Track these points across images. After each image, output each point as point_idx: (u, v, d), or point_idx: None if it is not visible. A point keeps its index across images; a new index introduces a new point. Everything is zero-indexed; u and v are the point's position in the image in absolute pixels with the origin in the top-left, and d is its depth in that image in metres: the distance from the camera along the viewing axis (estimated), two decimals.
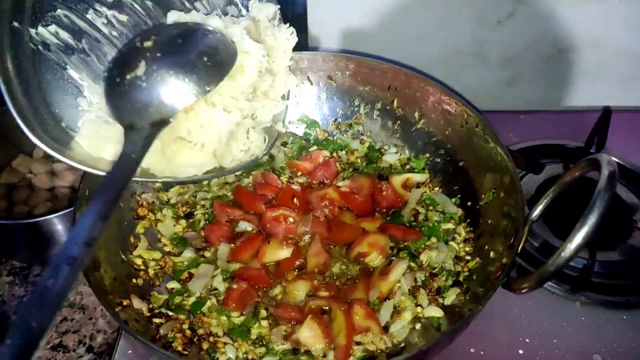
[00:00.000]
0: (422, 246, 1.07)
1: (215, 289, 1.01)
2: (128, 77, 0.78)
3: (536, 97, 1.56)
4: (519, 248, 0.85)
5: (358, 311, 0.95)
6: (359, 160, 1.25)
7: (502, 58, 1.49)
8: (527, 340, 1.05)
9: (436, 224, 1.10)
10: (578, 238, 0.68)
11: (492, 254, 0.98)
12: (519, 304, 1.11)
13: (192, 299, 0.99)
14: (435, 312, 0.95)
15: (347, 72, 1.25)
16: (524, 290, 0.76)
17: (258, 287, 1.01)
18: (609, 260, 1.16)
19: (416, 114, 1.22)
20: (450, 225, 1.10)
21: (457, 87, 1.31)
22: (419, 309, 0.97)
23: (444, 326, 0.93)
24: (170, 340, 0.91)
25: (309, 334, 0.91)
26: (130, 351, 1.05)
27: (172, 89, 0.78)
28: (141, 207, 1.11)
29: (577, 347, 1.04)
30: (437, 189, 1.19)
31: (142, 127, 0.76)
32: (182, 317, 0.96)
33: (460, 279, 1.01)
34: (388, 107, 1.26)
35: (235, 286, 0.99)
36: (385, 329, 0.95)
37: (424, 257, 1.04)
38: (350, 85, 1.27)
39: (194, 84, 0.79)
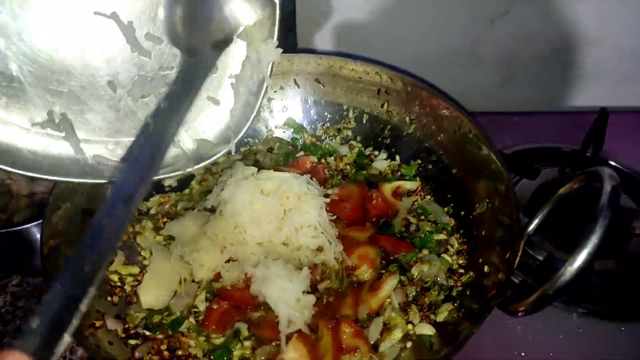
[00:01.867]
0: (414, 259, 1.02)
1: (195, 306, 0.96)
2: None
3: (531, 98, 1.52)
4: (515, 264, 0.81)
5: (346, 329, 0.90)
6: (348, 167, 1.20)
7: (497, 58, 1.45)
8: (523, 354, 1.01)
9: (428, 234, 1.05)
10: (579, 259, 0.64)
11: (486, 267, 0.94)
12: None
13: (172, 317, 0.94)
14: (427, 329, 0.91)
15: (336, 75, 1.20)
16: (519, 314, 0.72)
17: (240, 307, 0.96)
18: (606, 269, 1.12)
19: (407, 119, 1.18)
20: (442, 236, 1.06)
21: (451, 88, 1.28)
22: (409, 326, 0.93)
23: (436, 345, 0.89)
24: None
25: (294, 354, 0.86)
26: None
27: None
28: None
29: None
30: (428, 197, 1.14)
31: (202, 51, 0.68)
32: (160, 337, 0.91)
33: (453, 293, 0.97)
34: (378, 112, 1.22)
35: (215, 306, 0.94)
36: (375, 347, 0.91)
37: (415, 271, 1.00)
38: (338, 89, 1.23)
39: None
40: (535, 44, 1.41)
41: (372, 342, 0.90)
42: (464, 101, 1.28)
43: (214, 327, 0.92)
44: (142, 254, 1.05)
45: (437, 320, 0.93)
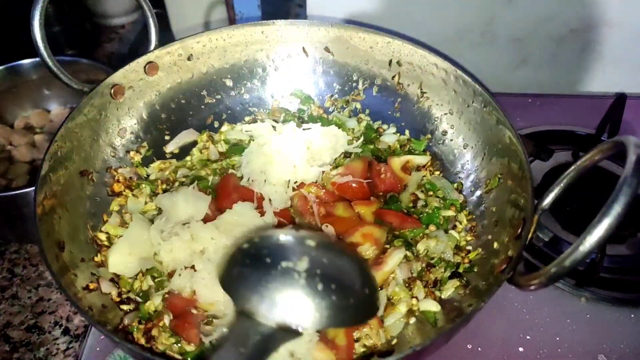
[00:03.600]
0: (420, 235, 0.99)
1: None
2: (284, 264, 0.67)
3: (546, 81, 1.49)
4: (528, 239, 0.77)
5: None
6: (354, 142, 1.16)
7: (512, 38, 1.41)
8: (528, 337, 0.99)
9: (436, 210, 1.02)
10: (599, 230, 0.59)
11: (495, 244, 0.90)
12: (520, 298, 1.05)
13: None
14: (432, 306, 0.88)
15: (346, 44, 1.16)
16: (532, 287, 0.68)
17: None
18: (617, 254, 1.10)
19: (418, 91, 1.14)
20: (450, 213, 1.02)
21: (465, 66, 1.23)
22: (414, 301, 0.90)
23: (441, 322, 0.86)
24: (131, 330, 0.83)
25: (315, 353, 0.80)
26: (102, 337, 0.99)
27: (322, 303, 0.66)
28: (117, 183, 1.03)
29: (581, 346, 0.98)
30: (437, 172, 1.10)
31: (262, 322, 0.65)
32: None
33: (460, 270, 0.93)
34: (389, 83, 1.17)
35: (194, 311, 0.86)
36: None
37: (421, 247, 0.96)
38: (349, 58, 1.18)
39: (343, 313, 0.68)
40: (551, 24, 1.36)
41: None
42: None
43: (185, 335, 0.83)
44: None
45: (443, 297, 0.90)
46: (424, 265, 0.94)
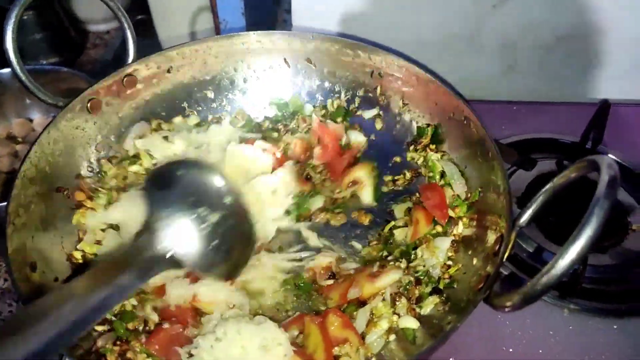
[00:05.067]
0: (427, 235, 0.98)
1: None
2: (201, 211, 0.80)
3: (533, 88, 1.47)
4: (504, 258, 0.77)
5: (334, 321, 0.87)
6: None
7: (498, 44, 1.40)
8: (510, 350, 0.98)
9: None
10: (572, 253, 0.59)
11: (475, 260, 0.90)
12: None
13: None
14: (411, 323, 0.87)
15: (328, 55, 1.16)
16: (506, 310, 0.68)
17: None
18: (600, 264, 1.09)
19: (400, 103, 1.13)
20: (452, 213, 1.00)
21: (450, 75, 1.22)
22: (394, 318, 0.89)
23: (420, 339, 0.85)
24: (104, 353, 0.82)
25: None
26: None
27: (208, 255, 0.79)
28: (79, 192, 1.00)
29: (564, 358, 0.97)
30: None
31: (160, 245, 0.76)
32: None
33: (440, 286, 0.93)
34: (371, 95, 1.17)
35: (166, 326, 0.86)
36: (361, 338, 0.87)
37: (419, 253, 0.96)
38: (331, 70, 1.18)
39: (215, 268, 0.82)
40: (539, 30, 1.35)
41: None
42: (462, 89, 1.23)
43: (156, 347, 0.83)
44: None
45: (422, 313, 0.90)
46: (412, 279, 0.93)
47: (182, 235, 0.77)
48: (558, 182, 0.75)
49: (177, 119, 1.16)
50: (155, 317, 0.87)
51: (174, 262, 0.76)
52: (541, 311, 1.03)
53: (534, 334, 1.00)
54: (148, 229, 0.76)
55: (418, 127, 1.12)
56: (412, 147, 1.12)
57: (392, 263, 0.96)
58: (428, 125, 1.11)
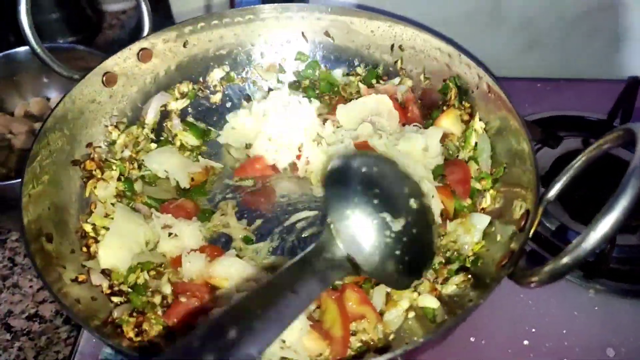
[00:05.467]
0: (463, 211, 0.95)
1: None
2: (383, 215, 0.69)
3: (556, 64, 1.43)
4: (530, 233, 0.74)
5: (351, 296, 0.85)
6: None
7: (521, 19, 1.36)
8: (534, 330, 0.96)
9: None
10: (605, 225, 0.56)
11: (499, 237, 0.87)
12: (526, 290, 1.00)
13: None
14: (431, 302, 0.85)
15: (346, 28, 1.12)
16: (532, 285, 0.66)
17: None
18: (627, 244, 1.05)
19: (422, 77, 1.10)
20: (479, 186, 0.97)
21: (472, 50, 1.19)
22: (414, 295, 0.87)
23: (440, 317, 0.83)
24: (121, 324, 0.81)
25: (307, 342, 0.79)
26: None
27: (389, 263, 0.69)
28: (90, 161, 0.98)
29: (589, 340, 0.95)
30: None
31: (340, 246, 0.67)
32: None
33: (467, 264, 0.90)
34: (391, 69, 1.14)
35: (184, 299, 0.84)
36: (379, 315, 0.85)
37: (453, 228, 0.93)
38: (350, 43, 1.15)
39: (394, 281, 0.73)
40: (562, 4, 1.31)
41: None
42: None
43: (174, 320, 0.83)
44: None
45: (444, 292, 0.87)
46: (442, 259, 0.91)
47: (364, 240, 0.68)
48: (590, 154, 0.72)
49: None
50: (168, 289, 0.86)
51: (354, 268, 0.68)
52: (566, 291, 1.01)
53: (557, 314, 0.98)
54: (329, 228, 0.68)
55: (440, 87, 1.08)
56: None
57: None
58: (445, 80, 1.07)
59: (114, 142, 1.04)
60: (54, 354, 1.02)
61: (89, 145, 1.00)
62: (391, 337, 0.83)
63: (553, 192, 0.76)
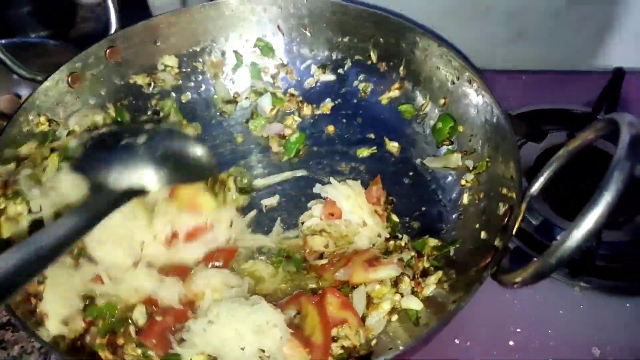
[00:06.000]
0: None
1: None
2: (124, 141, 0.82)
3: (542, 56, 1.40)
4: (514, 230, 0.71)
5: (332, 301, 0.82)
6: None
7: (507, 9, 1.33)
8: (519, 330, 0.94)
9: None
10: (589, 222, 0.53)
11: (483, 233, 0.85)
12: (511, 289, 0.98)
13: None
14: (414, 304, 0.82)
15: (324, 20, 1.09)
16: (515, 285, 0.63)
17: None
18: (613, 240, 1.03)
19: (401, 70, 1.07)
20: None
21: (454, 43, 1.16)
22: (397, 297, 0.84)
23: (423, 319, 0.81)
24: (97, 349, 0.77)
25: (287, 351, 0.76)
26: None
27: (162, 166, 0.81)
28: None
29: (575, 339, 0.93)
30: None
31: (112, 190, 0.78)
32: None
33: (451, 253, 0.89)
34: (369, 62, 1.11)
35: (159, 318, 0.81)
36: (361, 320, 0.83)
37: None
38: (327, 36, 1.11)
39: (179, 173, 0.83)
40: None
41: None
42: (468, 57, 1.17)
43: (154, 341, 0.78)
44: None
45: (425, 294, 0.85)
46: (414, 253, 0.89)
47: (126, 167, 0.79)
48: (573, 146, 0.69)
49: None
50: (143, 320, 0.82)
51: (135, 192, 0.79)
52: (551, 290, 0.99)
53: (543, 313, 0.96)
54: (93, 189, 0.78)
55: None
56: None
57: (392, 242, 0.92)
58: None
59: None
60: None
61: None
62: (373, 342, 0.80)
63: (536, 187, 0.74)
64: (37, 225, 0.83)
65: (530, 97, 1.31)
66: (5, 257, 0.59)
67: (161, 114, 1.09)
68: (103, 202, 0.75)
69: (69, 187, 0.83)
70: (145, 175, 0.79)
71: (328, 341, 0.78)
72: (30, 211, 0.83)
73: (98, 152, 0.83)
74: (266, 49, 1.14)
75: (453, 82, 0.98)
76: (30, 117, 0.91)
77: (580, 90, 1.32)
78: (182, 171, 0.83)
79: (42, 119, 0.93)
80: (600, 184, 0.53)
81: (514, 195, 0.76)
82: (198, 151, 0.88)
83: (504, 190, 0.82)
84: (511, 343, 0.92)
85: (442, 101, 1.03)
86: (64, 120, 0.97)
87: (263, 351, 0.75)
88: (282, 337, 0.76)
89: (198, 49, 1.11)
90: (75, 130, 0.98)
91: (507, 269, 0.67)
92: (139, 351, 0.78)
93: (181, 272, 0.86)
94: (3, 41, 1.24)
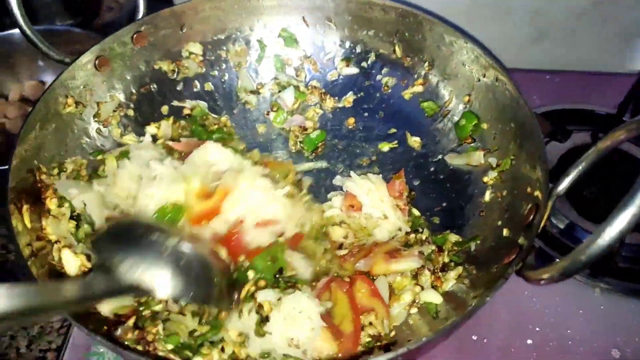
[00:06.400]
0: None
1: None
2: (154, 236, 0.74)
3: (564, 56, 1.39)
4: (539, 228, 0.71)
5: (362, 288, 0.82)
6: None
7: (529, 10, 1.32)
8: (537, 329, 0.94)
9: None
10: (622, 221, 0.53)
11: (505, 231, 0.84)
12: (530, 287, 0.95)
13: None
14: (434, 297, 0.82)
15: (349, 13, 1.09)
16: (542, 282, 0.62)
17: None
18: (635, 243, 1.02)
19: (425, 65, 1.06)
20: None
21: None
22: (417, 289, 0.84)
23: (443, 313, 0.81)
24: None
25: (319, 343, 0.76)
26: None
27: (180, 277, 0.72)
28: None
29: (594, 340, 0.93)
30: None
31: (118, 279, 0.69)
32: None
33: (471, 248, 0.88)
34: (393, 57, 1.10)
35: None
36: None
37: None
38: (351, 29, 1.11)
39: (195, 290, 0.74)
40: None
41: None
42: None
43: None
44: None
45: (444, 288, 0.84)
46: (434, 247, 0.89)
47: (143, 262, 0.71)
48: (602, 145, 0.69)
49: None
50: None
51: (140, 291, 0.71)
52: (571, 290, 0.99)
53: (562, 313, 0.96)
54: (100, 268, 0.71)
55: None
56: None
57: (413, 236, 0.92)
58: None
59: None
60: (46, 344, 1.00)
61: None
62: (392, 333, 0.80)
63: (563, 186, 0.73)
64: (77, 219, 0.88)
65: (554, 97, 1.30)
66: None
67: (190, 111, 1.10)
68: (102, 287, 0.68)
69: (126, 180, 0.89)
70: (160, 278, 0.70)
71: (358, 331, 0.78)
72: (72, 210, 0.88)
73: (123, 235, 0.77)
74: (290, 40, 1.13)
75: (479, 79, 0.98)
76: (59, 99, 0.92)
77: (603, 91, 1.31)
78: (197, 291, 0.74)
79: (70, 100, 0.93)
80: (635, 184, 0.52)
81: (540, 194, 0.75)
82: (221, 283, 0.79)
83: (529, 189, 0.81)
84: (529, 342, 0.92)
85: (466, 98, 1.02)
86: (90, 103, 0.98)
87: (292, 339, 0.75)
88: (314, 328, 0.76)
89: (223, 37, 1.11)
90: (101, 114, 1.00)
91: (533, 265, 0.67)
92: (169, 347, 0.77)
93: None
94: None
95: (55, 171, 0.90)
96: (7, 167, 0.94)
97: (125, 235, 0.76)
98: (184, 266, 0.73)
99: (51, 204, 0.85)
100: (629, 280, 0.99)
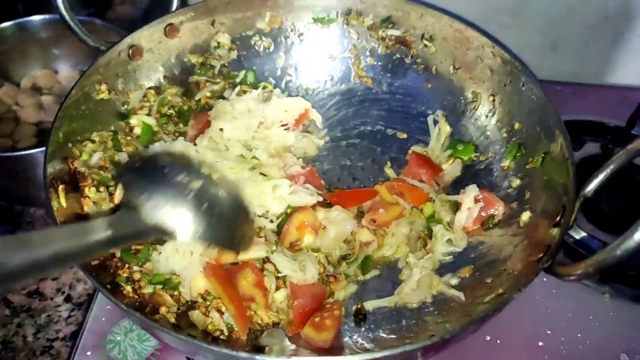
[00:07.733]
0: None
1: None
2: (179, 178, 0.74)
3: (576, 69, 1.42)
4: (568, 226, 0.72)
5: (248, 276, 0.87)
6: None
7: (543, 21, 1.35)
8: (549, 332, 0.95)
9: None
10: None
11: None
12: (543, 291, 1.00)
13: None
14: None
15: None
16: (572, 277, 0.64)
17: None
18: None
19: (451, 68, 1.08)
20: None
21: None
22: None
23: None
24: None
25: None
26: (109, 306, 0.98)
27: (201, 220, 0.73)
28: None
29: (603, 344, 0.94)
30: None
31: (142, 218, 0.70)
32: None
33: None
34: (419, 60, 1.12)
35: None
36: None
37: None
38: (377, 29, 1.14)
39: (215, 235, 0.75)
40: (586, 8, 1.30)
41: None
42: None
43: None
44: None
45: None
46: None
47: (167, 203, 0.71)
48: (633, 149, 0.70)
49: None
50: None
51: (162, 232, 0.72)
52: (582, 295, 1.00)
53: (573, 317, 0.97)
54: (127, 206, 0.72)
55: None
56: None
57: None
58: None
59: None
60: (54, 332, 0.99)
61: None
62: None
63: (591, 187, 0.74)
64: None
65: (565, 107, 1.31)
66: (20, 244, 0.57)
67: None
68: (129, 226, 0.69)
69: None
70: (182, 220, 0.71)
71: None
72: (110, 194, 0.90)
73: (149, 173, 0.76)
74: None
75: (505, 84, 1.00)
76: (95, 85, 0.93)
77: (613, 104, 1.33)
78: (218, 234, 0.76)
79: (103, 87, 0.94)
80: None
81: (568, 194, 0.77)
82: (245, 224, 0.83)
83: (556, 190, 0.83)
84: (541, 344, 0.94)
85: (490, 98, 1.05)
86: (122, 91, 0.98)
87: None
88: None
89: (251, 33, 1.13)
90: (130, 102, 1.01)
91: (563, 262, 0.68)
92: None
93: None
94: (47, 16, 1.25)
95: (87, 148, 0.91)
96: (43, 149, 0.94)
97: (150, 172, 0.76)
98: (207, 209, 0.73)
99: (90, 192, 0.86)
100: (637, 287, 1.00)
